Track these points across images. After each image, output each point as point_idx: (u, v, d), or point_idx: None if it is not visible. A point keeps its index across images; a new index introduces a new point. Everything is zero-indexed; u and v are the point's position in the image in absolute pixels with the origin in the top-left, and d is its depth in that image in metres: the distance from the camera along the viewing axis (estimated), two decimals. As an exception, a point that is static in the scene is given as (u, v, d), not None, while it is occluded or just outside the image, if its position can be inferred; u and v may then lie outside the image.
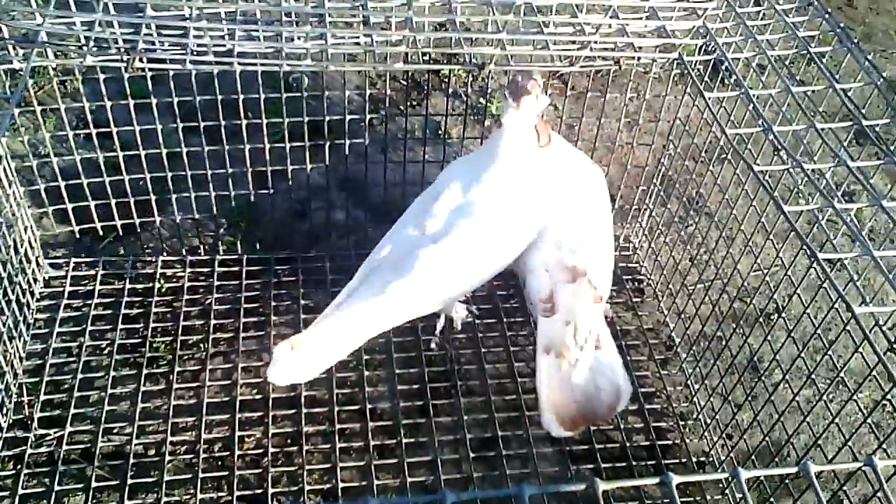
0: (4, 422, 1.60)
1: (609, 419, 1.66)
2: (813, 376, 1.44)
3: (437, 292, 1.58)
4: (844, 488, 1.33)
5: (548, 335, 1.56)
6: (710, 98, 1.45)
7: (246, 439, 1.64)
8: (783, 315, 1.56)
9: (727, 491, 1.61)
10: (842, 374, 1.41)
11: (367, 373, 1.75)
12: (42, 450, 1.59)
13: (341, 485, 1.57)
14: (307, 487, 1.56)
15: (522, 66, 1.50)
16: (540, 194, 1.63)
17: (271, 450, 1.61)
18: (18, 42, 1.40)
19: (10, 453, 1.57)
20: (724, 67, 1.50)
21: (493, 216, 1.58)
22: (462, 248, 1.56)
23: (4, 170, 1.67)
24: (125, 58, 1.26)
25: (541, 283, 1.60)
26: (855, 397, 1.39)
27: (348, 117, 1.82)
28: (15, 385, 1.66)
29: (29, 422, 1.62)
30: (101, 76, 1.60)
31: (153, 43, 1.31)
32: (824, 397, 1.41)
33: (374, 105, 2.23)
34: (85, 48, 1.30)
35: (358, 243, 1.95)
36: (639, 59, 1.54)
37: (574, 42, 1.42)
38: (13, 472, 1.55)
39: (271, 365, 1.46)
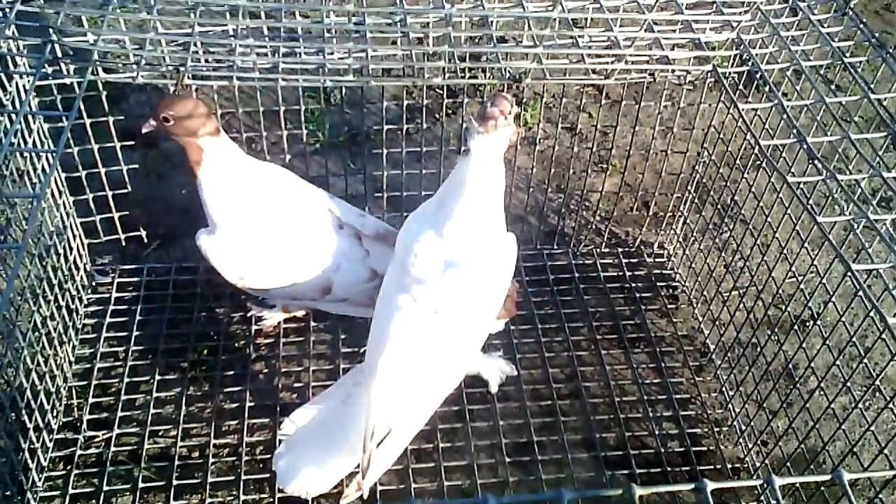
0: (55, 423, 1.66)
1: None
2: (849, 384, 1.44)
3: (460, 359, 1.54)
4: (881, 496, 1.33)
5: None
6: (744, 109, 1.46)
7: (287, 442, 1.67)
8: (818, 322, 1.56)
9: (762, 498, 1.62)
10: (878, 382, 1.41)
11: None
12: (91, 451, 1.64)
13: (380, 487, 1.60)
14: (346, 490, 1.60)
15: (558, 79, 1.52)
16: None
17: (312, 453, 1.65)
18: (73, 60, 1.45)
19: (60, 454, 1.63)
20: (758, 76, 1.51)
21: (480, 264, 1.48)
22: (465, 304, 1.48)
23: (55, 181, 1.74)
24: (175, 76, 1.31)
25: None
26: (891, 405, 1.39)
27: (386, 127, 1.85)
28: (65, 388, 1.72)
29: (78, 424, 1.68)
30: (148, 89, 1.66)
31: (199, 60, 1.36)
32: (860, 405, 1.41)
33: (411, 114, 2.26)
34: (136, 66, 1.35)
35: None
36: (673, 70, 1.55)
37: (609, 55, 1.44)
38: (63, 472, 1.61)
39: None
